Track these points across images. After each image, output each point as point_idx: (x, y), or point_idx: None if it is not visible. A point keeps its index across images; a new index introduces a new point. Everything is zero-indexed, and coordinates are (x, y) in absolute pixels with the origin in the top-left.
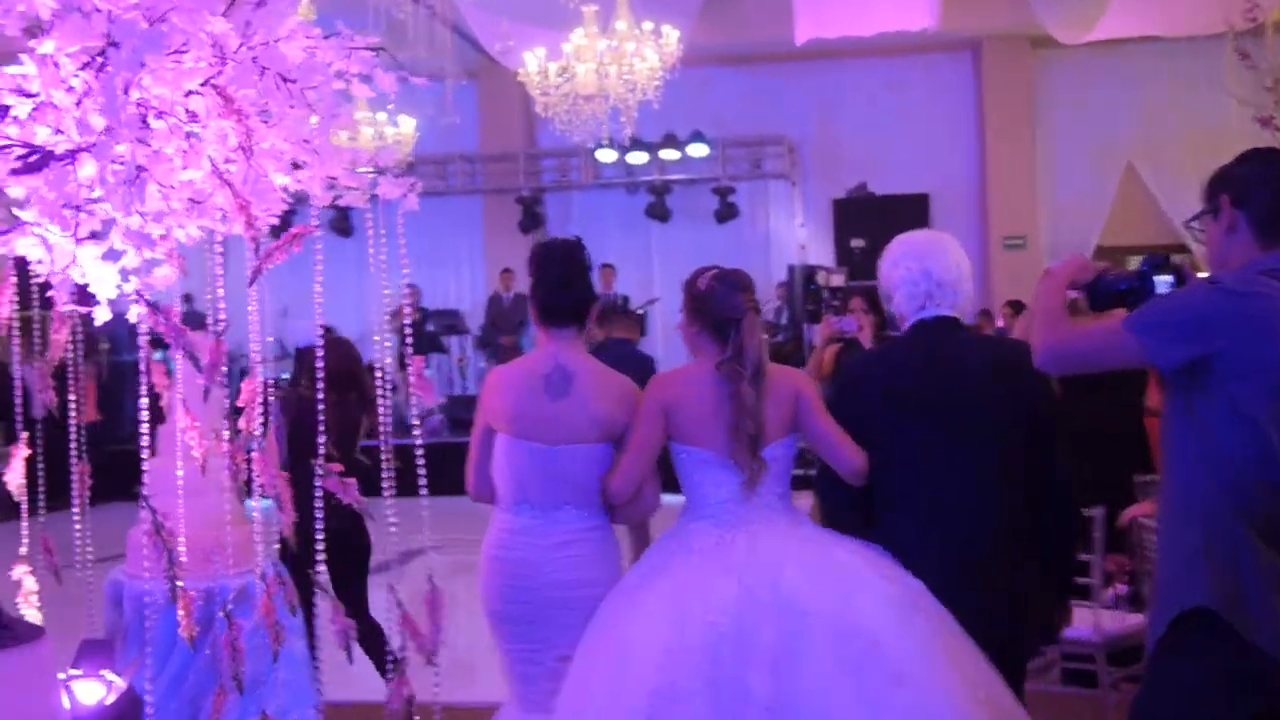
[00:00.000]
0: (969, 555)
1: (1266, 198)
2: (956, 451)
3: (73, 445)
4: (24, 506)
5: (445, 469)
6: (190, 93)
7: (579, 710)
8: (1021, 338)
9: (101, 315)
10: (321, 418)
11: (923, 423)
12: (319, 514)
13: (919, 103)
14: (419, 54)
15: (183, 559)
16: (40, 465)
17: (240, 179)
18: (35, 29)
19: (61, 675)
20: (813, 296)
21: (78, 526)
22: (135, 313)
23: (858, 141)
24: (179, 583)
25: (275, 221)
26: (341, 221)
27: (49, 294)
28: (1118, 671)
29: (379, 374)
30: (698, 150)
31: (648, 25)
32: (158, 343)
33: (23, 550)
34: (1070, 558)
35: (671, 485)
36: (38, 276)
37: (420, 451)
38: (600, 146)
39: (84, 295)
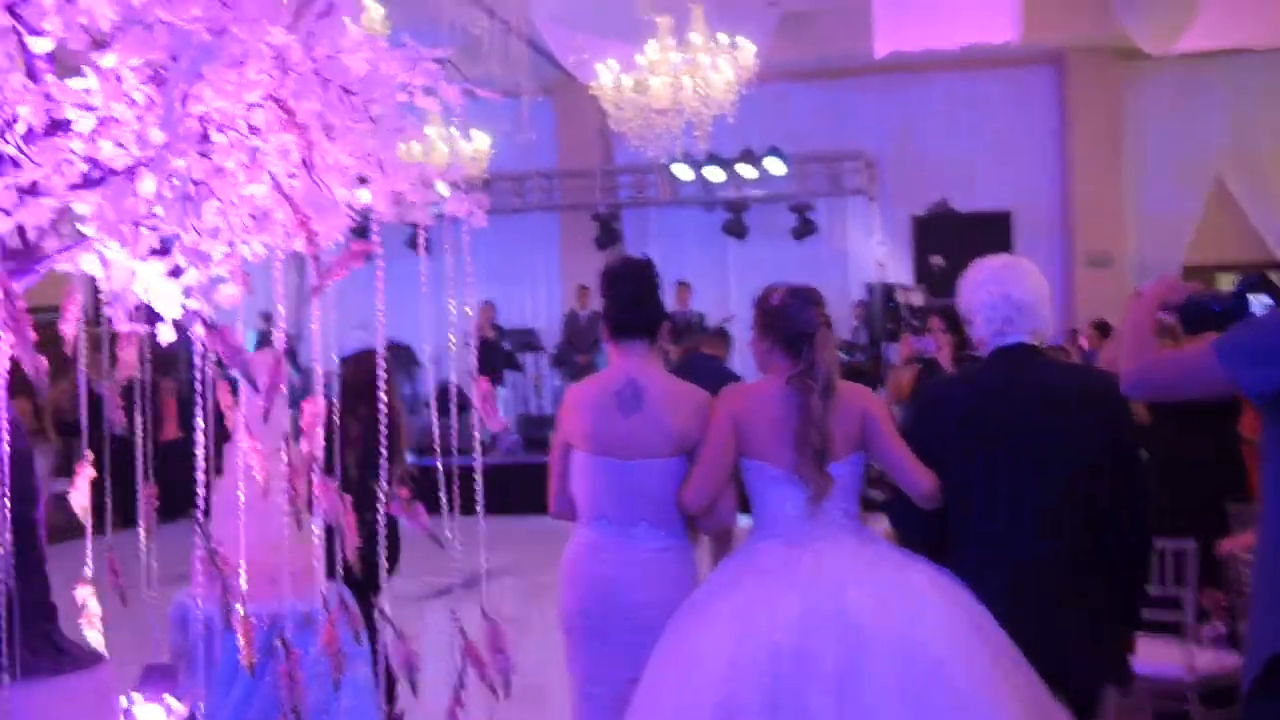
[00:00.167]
0: (1039, 584)
1: None
2: (1033, 479)
3: (139, 465)
4: (88, 526)
5: (521, 488)
6: (252, 106)
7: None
8: (1110, 362)
9: (166, 334)
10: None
11: (999, 449)
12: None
13: (1001, 117)
14: (493, 70)
15: (243, 584)
16: (108, 483)
17: (302, 194)
18: (102, 42)
19: (123, 700)
20: (891, 315)
21: (143, 551)
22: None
23: (938, 157)
24: (239, 608)
25: (341, 238)
26: (417, 237)
27: (106, 312)
28: (1212, 714)
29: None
30: (775, 166)
31: (723, 38)
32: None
33: (87, 571)
34: (1139, 588)
35: (745, 506)
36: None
37: (479, 473)
38: (676, 162)
39: (152, 313)
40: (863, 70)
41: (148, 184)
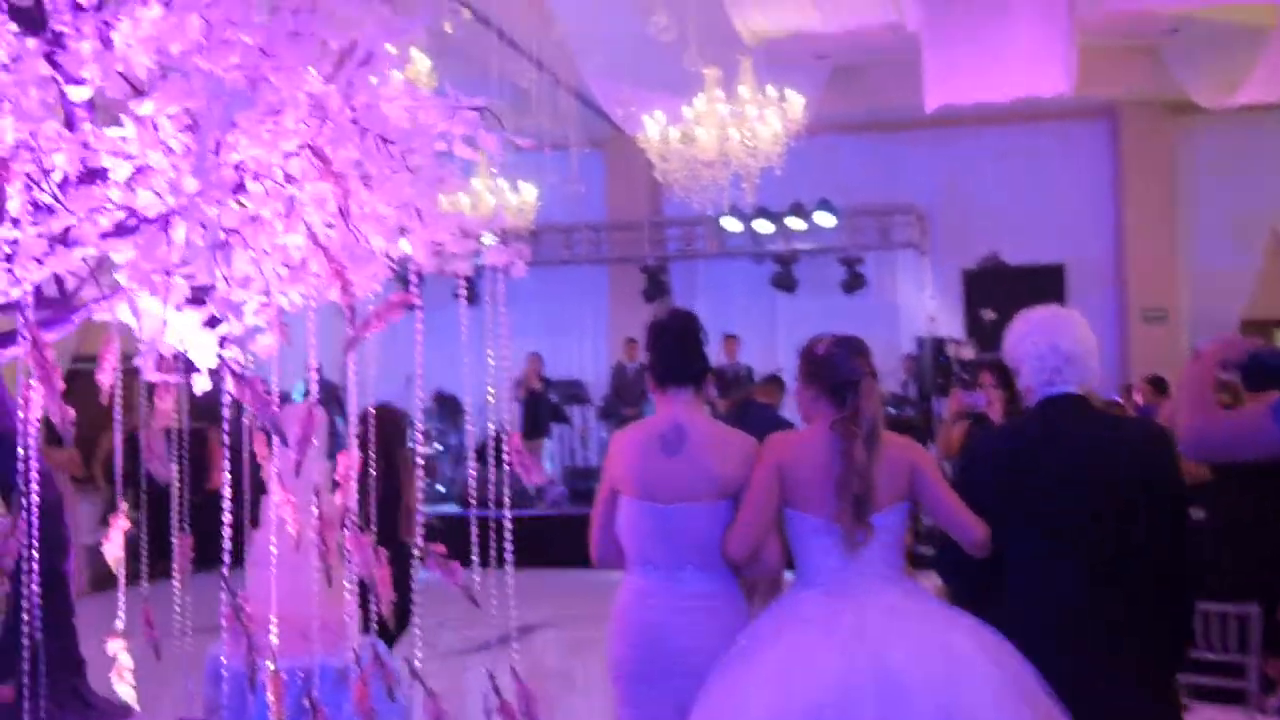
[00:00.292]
0: (1083, 635)
1: None
2: (1079, 529)
3: (173, 515)
4: (121, 577)
5: (566, 541)
6: (289, 155)
7: None
8: (1168, 420)
9: (201, 384)
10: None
11: (1046, 502)
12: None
13: (1053, 170)
14: (542, 123)
15: (274, 639)
16: (143, 532)
17: (340, 244)
18: (143, 91)
19: None
20: (942, 369)
21: (178, 602)
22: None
23: (989, 210)
24: (270, 664)
25: (380, 289)
26: (472, 291)
27: (134, 362)
28: None
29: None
30: (825, 219)
31: (772, 91)
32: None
33: (119, 624)
34: (1181, 648)
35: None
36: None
37: (508, 527)
38: (725, 215)
39: (190, 363)
40: (913, 123)
41: (180, 232)
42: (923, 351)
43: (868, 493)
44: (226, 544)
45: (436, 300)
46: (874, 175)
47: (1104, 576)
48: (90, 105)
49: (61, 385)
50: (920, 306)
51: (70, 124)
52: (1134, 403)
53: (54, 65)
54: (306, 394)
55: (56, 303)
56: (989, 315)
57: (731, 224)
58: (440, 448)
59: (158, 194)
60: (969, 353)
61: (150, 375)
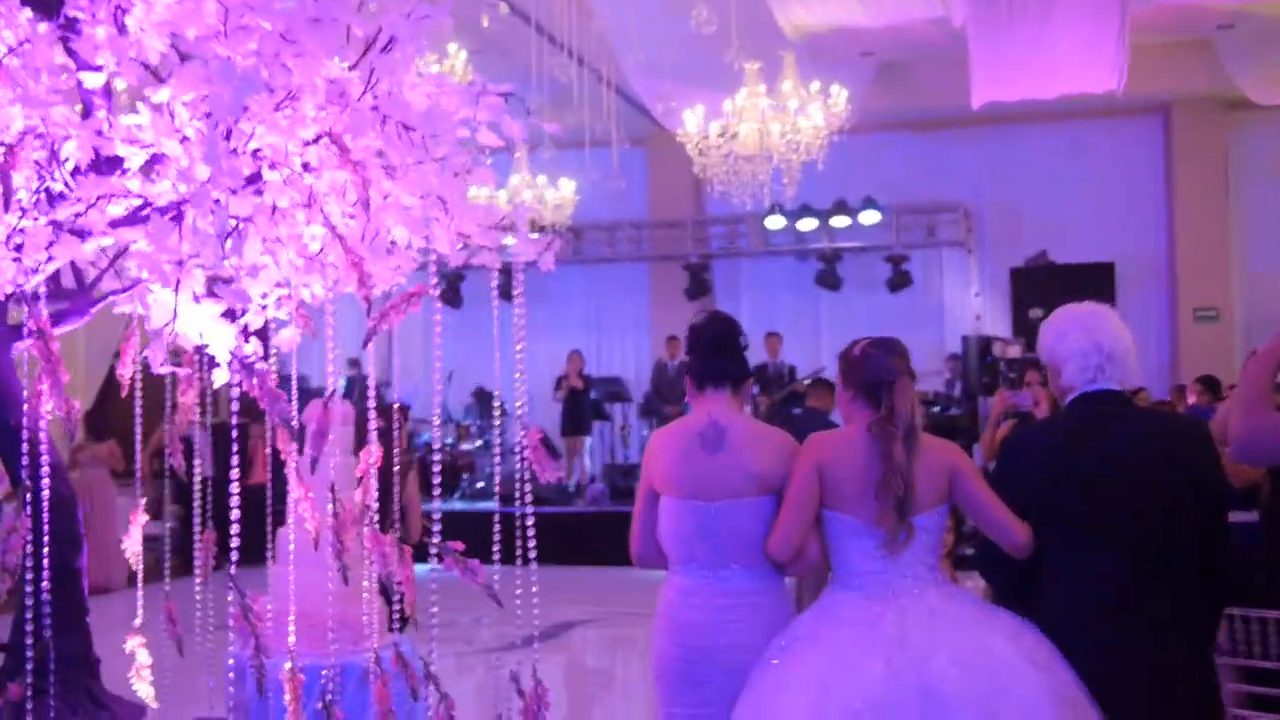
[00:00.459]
0: (1125, 636)
1: None
2: (1120, 529)
3: (195, 511)
4: (139, 573)
5: (607, 539)
6: (308, 143)
7: None
8: (1223, 423)
9: (220, 377)
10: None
11: (1086, 500)
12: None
13: (1103, 168)
14: (584, 119)
15: (291, 639)
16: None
17: (359, 234)
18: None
19: None
20: (988, 369)
21: (199, 599)
22: (219, 378)
23: (1038, 208)
24: (287, 664)
25: (403, 280)
26: (507, 286)
27: (145, 353)
28: None
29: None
30: (870, 217)
31: (815, 86)
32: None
33: (137, 622)
34: (1208, 642)
35: None
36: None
37: (531, 522)
38: (769, 213)
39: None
40: (961, 120)
41: (192, 221)
42: (968, 350)
43: (908, 494)
44: (234, 540)
45: (477, 298)
46: (920, 173)
47: (1146, 573)
48: (108, 92)
49: (66, 377)
50: (966, 305)
51: (87, 112)
52: (1186, 404)
53: (69, 53)
54: (349, 390)
55: (75, 294)
56: (1037, 314)
57: (775, 222)
58: (480, 443)
59: (173, 184)
60: (1016, 351)
61: (159, 368)
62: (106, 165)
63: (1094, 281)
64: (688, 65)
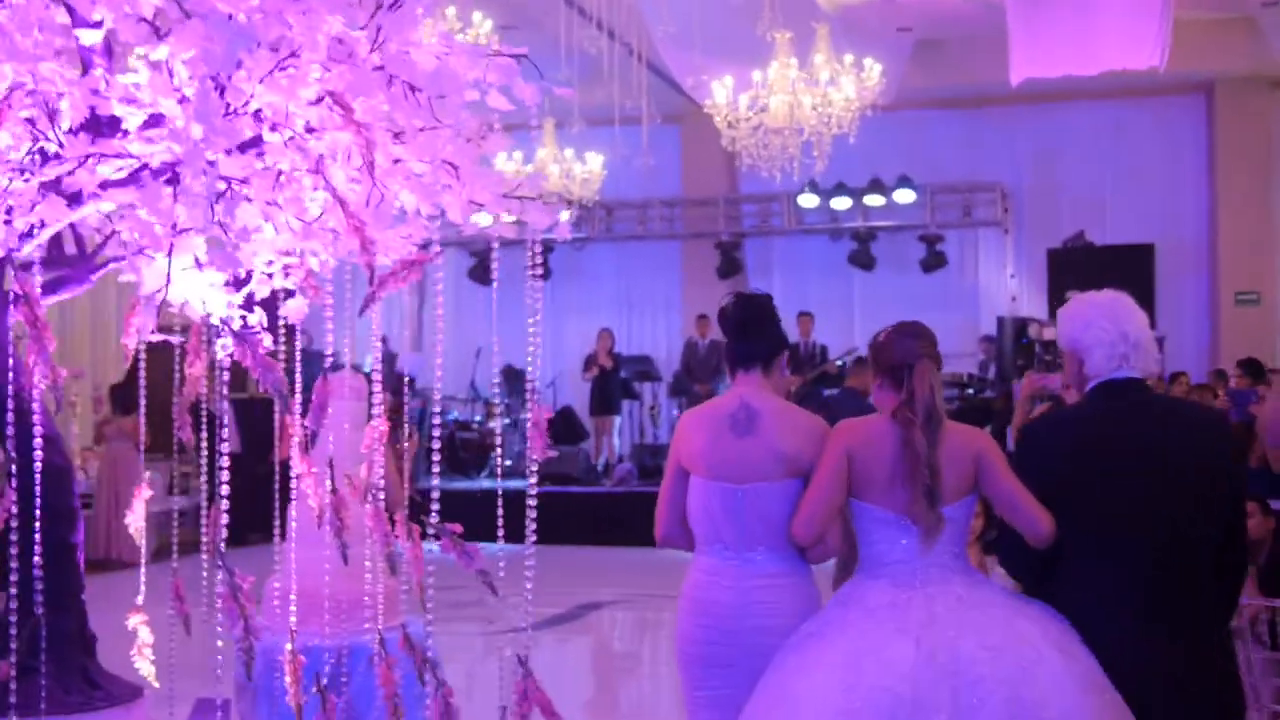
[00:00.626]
0: (1147, 633)
1: None
2: (1141, 522)
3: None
4: (143, 550)
5: (635, 518)
6: (310, 104)
7: None
8: (1265, 411)
9: (221, 348)
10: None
11: (1110, 490)
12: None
13: (1144, 148)
14: (615, 95)
15: (293, 619)
16: (173, 501)
17: (363, 199)
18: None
19: None
20: (1024, 351)
21: (205, 577)
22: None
23: (1076, 189)
24: (288, 647)
25: (415, 248)
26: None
27: (135, 322)
28: None
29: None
30: (905, 196)
31: (849, 59)
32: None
33: (139, 599)
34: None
35: None
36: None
37: (532, 502)
38: (802, 191)
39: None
40: (999, 99)
41: (188, 183)
42: (1003, 332)
43: (935, 482)
44: (223, 519)
45: (510, 276)
46: (957, 152)
47: (1169, 563)
48: (108, 51)
49: (53, 344)
50: (1002, 287)
51: (85, 70)
52: (1227, 388)
53: (69, 10)
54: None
55: (76, 260)
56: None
57: (808, 200)
58: (509, 421)
59: (168, 145)
60: (1051, 333)
61: (147, 335)
62: (107, 127)
63: (1133, 263)
64: (719, 36)
